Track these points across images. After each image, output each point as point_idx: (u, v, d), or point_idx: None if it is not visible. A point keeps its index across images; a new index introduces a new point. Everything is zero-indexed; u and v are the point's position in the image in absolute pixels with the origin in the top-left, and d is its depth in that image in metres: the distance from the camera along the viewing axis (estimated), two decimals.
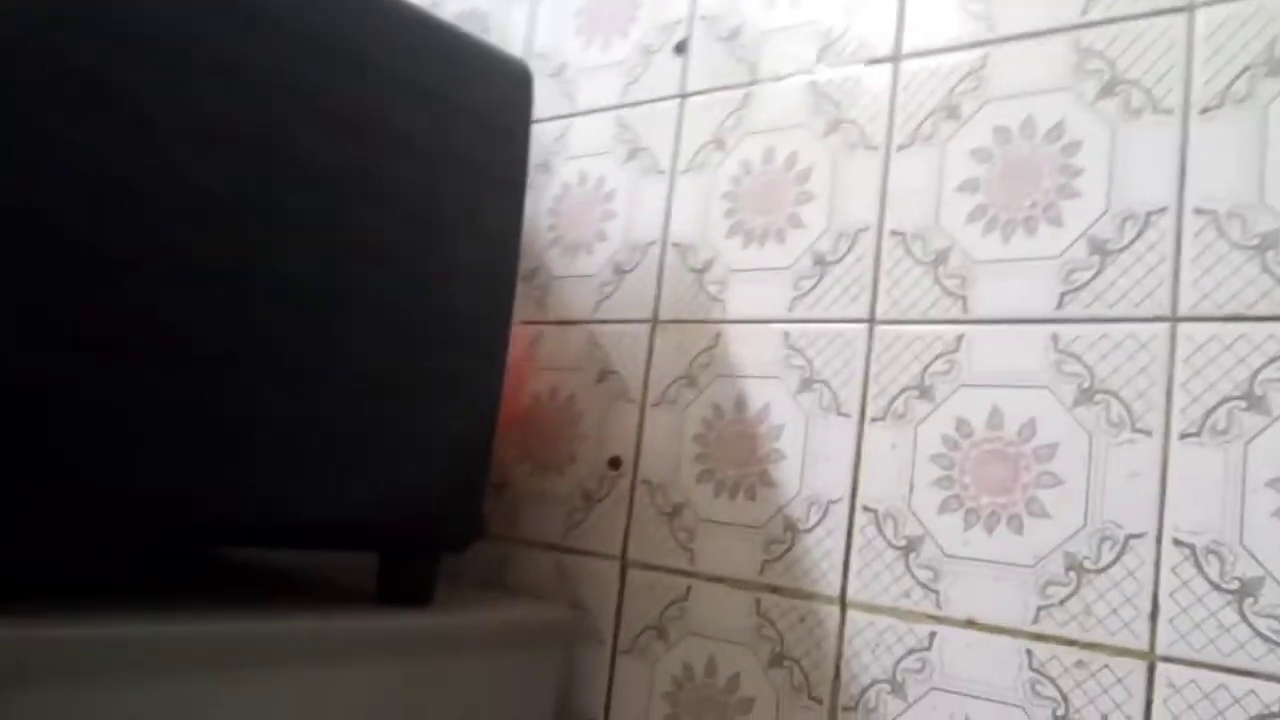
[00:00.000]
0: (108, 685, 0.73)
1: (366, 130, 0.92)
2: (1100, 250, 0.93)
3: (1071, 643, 0.88)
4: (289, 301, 0.86)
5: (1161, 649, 0.85)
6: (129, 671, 0.74)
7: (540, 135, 1.37)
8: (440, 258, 0.98)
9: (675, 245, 1.20)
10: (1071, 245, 0.94)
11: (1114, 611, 0.87)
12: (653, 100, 1.27)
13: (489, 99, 1.03)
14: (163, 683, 0.76)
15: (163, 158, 0.78)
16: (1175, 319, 0.89)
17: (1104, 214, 0.93)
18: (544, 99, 1.38)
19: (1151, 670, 0.85)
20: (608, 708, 1.14)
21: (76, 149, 0.74)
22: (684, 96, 1.24)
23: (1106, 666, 0.86)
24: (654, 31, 1.29)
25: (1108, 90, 0.95)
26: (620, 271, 1.25)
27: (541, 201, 1.35)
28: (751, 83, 1.18)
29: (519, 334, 1.29)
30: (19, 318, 0.71)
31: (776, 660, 1.03)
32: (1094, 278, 0.93)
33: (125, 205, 0.76)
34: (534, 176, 1.36)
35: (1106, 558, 0.88)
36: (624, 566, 1.16)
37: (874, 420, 1.02)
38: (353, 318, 0.91)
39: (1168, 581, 0.85)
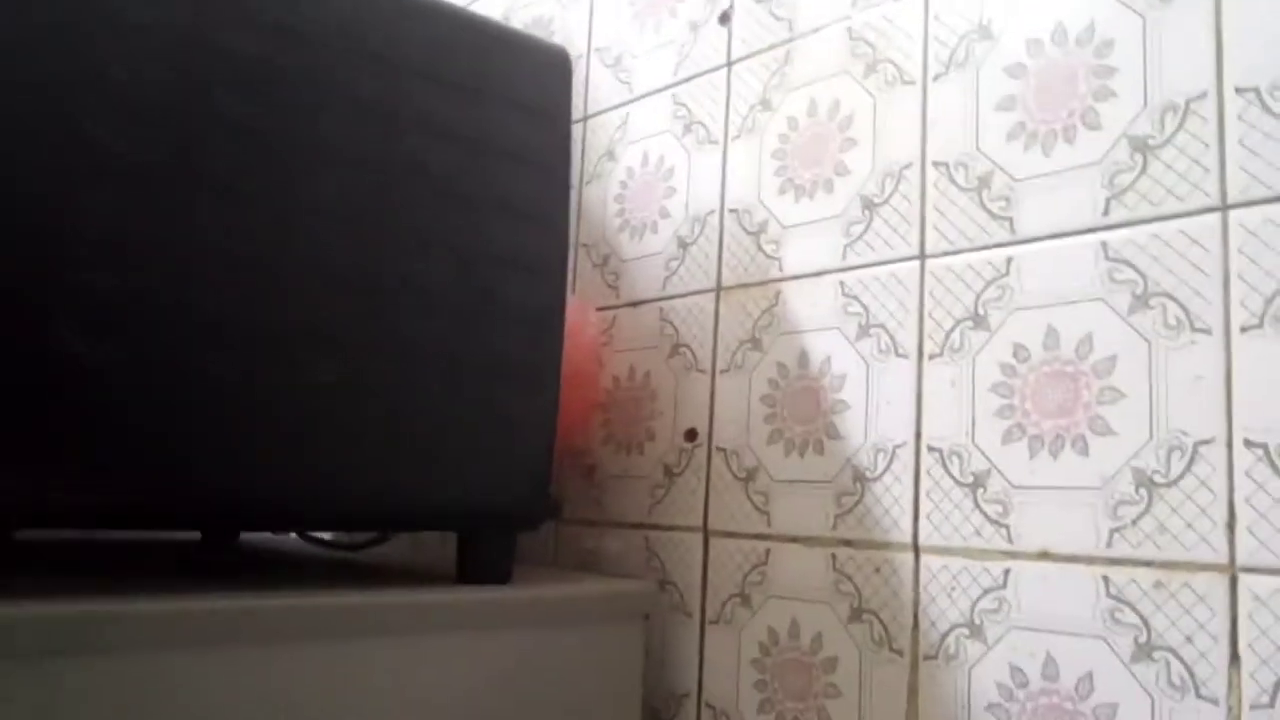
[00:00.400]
0: (197, 655, 0.74)
1: (401, 123, 0.89)
2: (1142, 148, 0.82)
3: (1148, 564, 0.77)
4: (346, 289, 0.84)
5: (1242, 560, 0.73)
6: (223, 641, 0.75)
7: (604, 125, 1.31)
8: (485, 242, 0.94)
9: (732, 211, 1.12)
10: (1112, 147, 0.84)
11: (1189, 525, 0.76)
12: (703, 73, 1.19)
13: (528, 86, 0.99)
14: (252, 653, 0.76)
15: (199, 156, 0.78)
16: (1225, 207, 0.77)
17: (1142, 110, 0.83)
18: (605, 90, 1.32)
19: (1234, 584, 0.73)
20: (700, 680, 1.06)
21: (111, 148, 0.74)
22: (730, 64, 1.16)
23: (1187, 585, 0.75)
24: (700, 6, 1.21)
25: None
26: (684, 245, 1.17)
27: (608, 189, 1.28)
28: (791, 39, 1.10)
29: (595, 320, 1.23)
30: (83, 304, 0.72)
31: (856, 615, 0.94)
32: (1138, 177, 0.82)
33: (166, 200, 0.76)
34: (600, 165, 1.29)
35: (1176, 469, 0.77)
36: (706, 537, 1.08)
37: (932, 358, 0.92)
38: (410, 303, 0.88)
39: (1242, 487, 0.74)
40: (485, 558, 0.95)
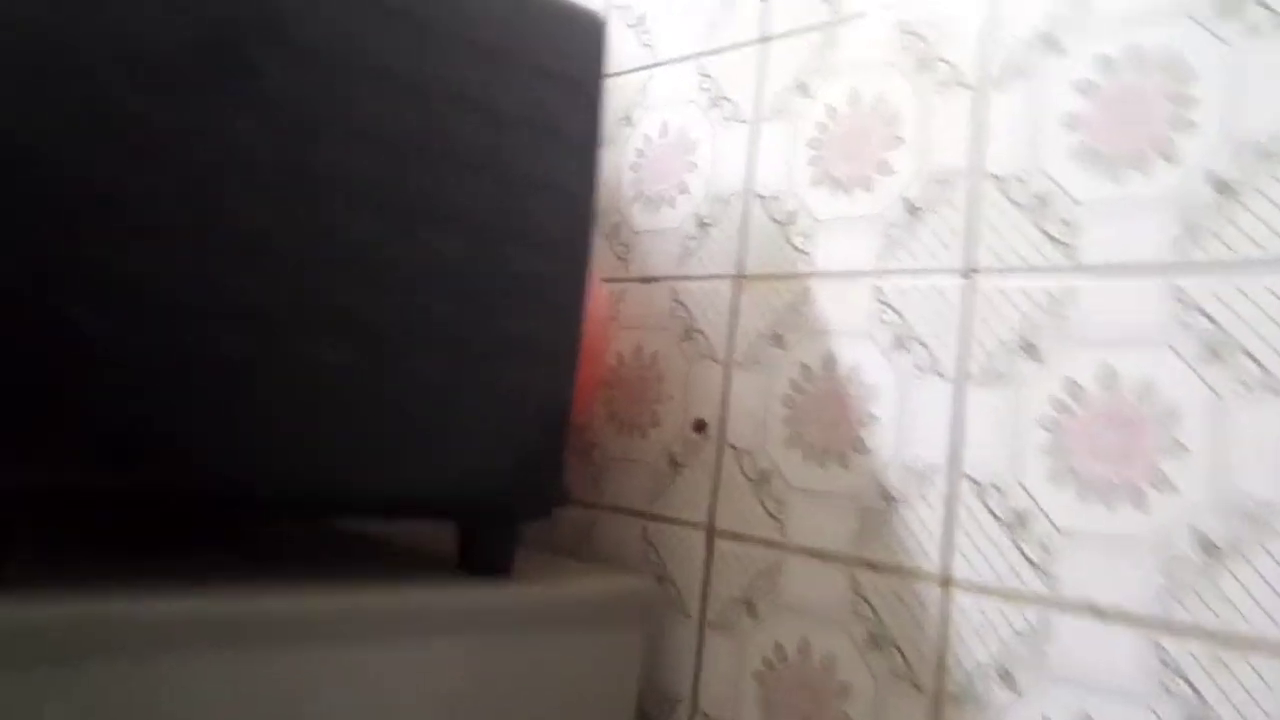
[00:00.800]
0: (183, 658, 0.67)
1: (430, 91, 0.80)
2: (1221, 187, 0.75)
3: (1203, 633, 0.71)
4: (358, 265, 0.76)
5: None
6: (205, 646, 0.68)
7: (622, 87, 1.21)
8: (512, 216, 0.85)
9: (759, 196, 1.03)
10: (1188, 183, 0.76)
11: (1251, 596, 0.70)
12: (734, 46, 1.10)
13: (559, 53, 0.90)
14: (239, 657, 0.69)
15: (218, 124, 0.69)
16: None
17: (1224, 146, 0.75)
18: (625, 51, 1.21)
19: None
20: (695, 686, 0.99)
21: (131, 114, 0.65)
22: (765, 40, 1.07)
23: (1246, 661, 0.69)
24: None
25: (1229, 10, 0.76)
26: (703, 225, 1.08)
27: (623, 155, 1.19)
28: (835, 22, 1.01)
29: (601, 293, 1.14)
30: (90, 280, 0.64)
31: (874, 642, 0.87)
32: (1216, 219, 0.75)
33: (181, 170, 0.67)
34: (616, 130, 1.20)
35: (1242, 535, 0.70)
36: (711, 535, 1.01)
37: (975, 382, 0.85)
38: (423, 279, 0.79)
39: None
40: (490, 547, 0.87)
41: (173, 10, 0.66)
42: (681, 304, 1.08)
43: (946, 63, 0.91)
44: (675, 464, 1.05)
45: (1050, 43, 0.85)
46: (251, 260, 0.70)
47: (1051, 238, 0.82)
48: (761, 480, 0.97)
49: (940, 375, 0.86)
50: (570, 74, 0.90)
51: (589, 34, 0.92)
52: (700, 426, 1.03)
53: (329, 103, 0.74)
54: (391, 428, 0.78)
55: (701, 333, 1.05)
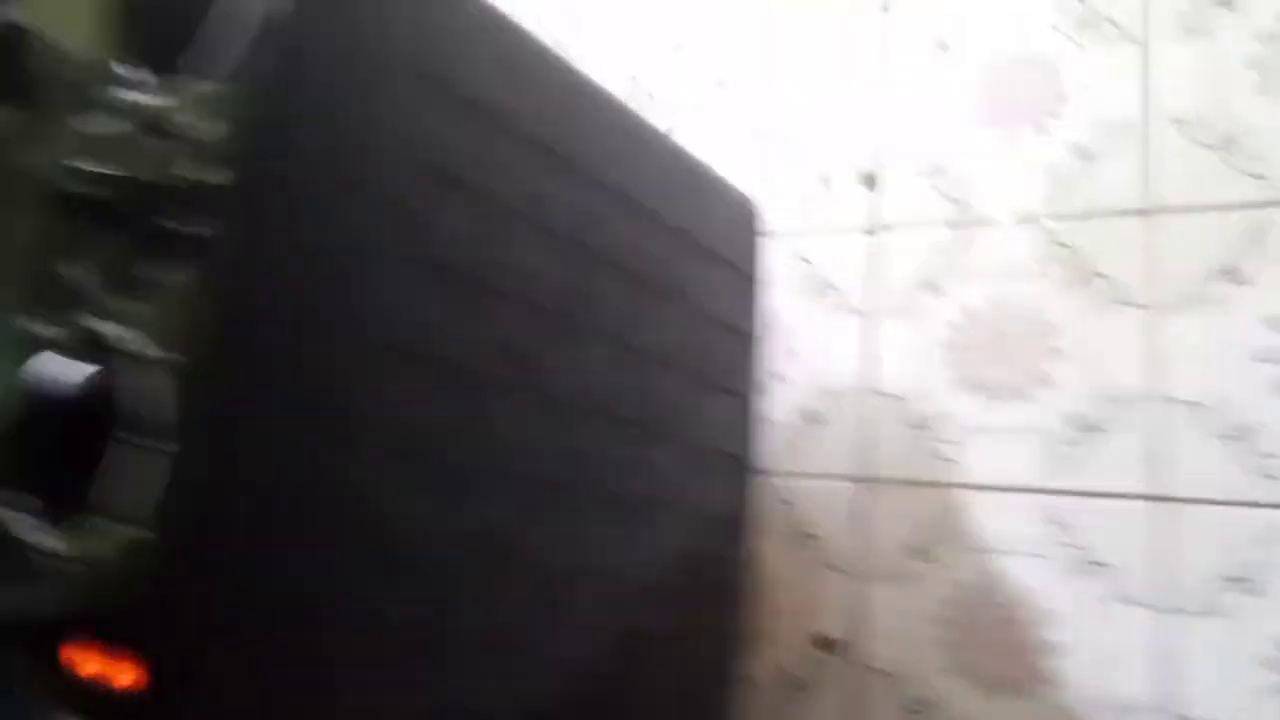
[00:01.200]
0: None
1: (648, 280, 0.73)
2: None
3: None
4: (534, 494, 0.64)
5: None
6: None
7: None
8: (703, 423, 0.79)
9: (882, 395, 1.00)
10: None
11: None
12: (837, 231, 1.07)
13: (726, 238, 0.85)
14: None
15: (477, 315, 0.59)
16: None
17: None
18: None
19: None
20: None
21: (387, 299, 0.55)
22: (874, 232, 1.05)
23: None
24: (832, 158, 1.09)
25: None
26: (810, 419, 1.04)
27: None
28: (964, 223, 1.00)
29: None
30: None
31: None
32: None
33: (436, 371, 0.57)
34: None
35: None
36: None
37: (1183, 615, 0.83)
38: (600, 513, 0.69)
39: None
40: None
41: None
42: (789, 503, 1.03)
43: (1107, 280, 0.91)
44: (797, 686, 0.98)
45: (1230, 274, 0.86)
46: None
47: (1263, 473, 0.82)
48: (922, 712, 0.92)
49: (1136, 604, 0.84)
50: (738, 263, 0.86)
51: (746, 221, 0.89)
52: (826, 644, 0.97)
53: (572, 291, 0.66)
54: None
55: (816, 538, 1.00)
